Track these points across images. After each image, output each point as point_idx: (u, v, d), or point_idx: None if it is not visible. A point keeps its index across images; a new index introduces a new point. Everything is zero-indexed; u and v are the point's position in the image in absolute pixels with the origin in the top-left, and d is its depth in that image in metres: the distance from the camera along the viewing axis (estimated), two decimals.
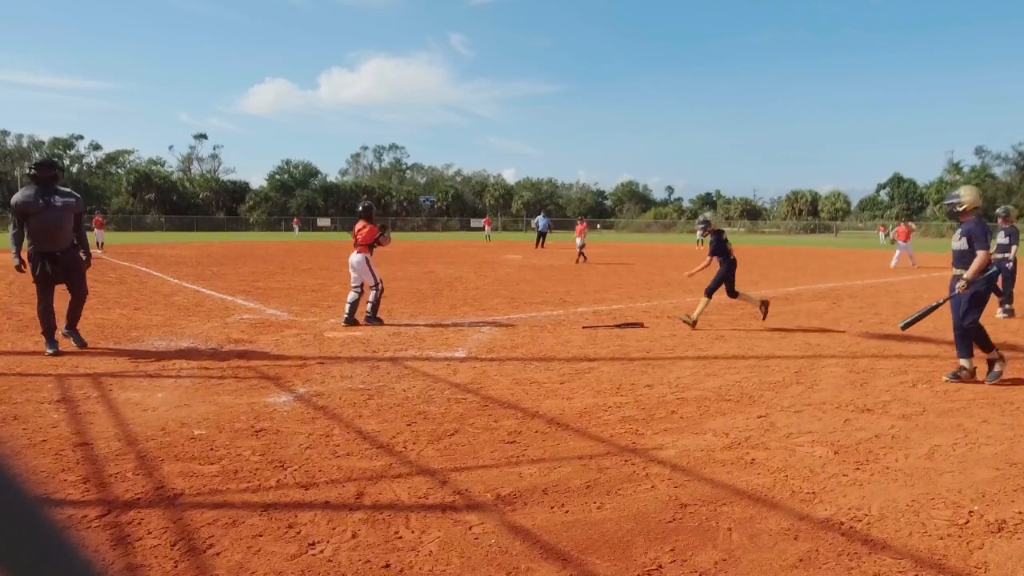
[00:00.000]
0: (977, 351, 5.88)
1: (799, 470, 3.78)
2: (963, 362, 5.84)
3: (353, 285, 8.81)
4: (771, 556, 2.80)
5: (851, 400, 5.27)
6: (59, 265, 6.67)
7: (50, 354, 6.54)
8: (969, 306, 5.73)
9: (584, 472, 3.72)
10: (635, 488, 3.50)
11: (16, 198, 6.49)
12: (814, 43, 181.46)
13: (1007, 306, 9.94)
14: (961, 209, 5.95)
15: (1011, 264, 9.69)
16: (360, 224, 8.80)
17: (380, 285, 8.76)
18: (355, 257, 8.75)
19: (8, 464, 0.40)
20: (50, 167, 6.70)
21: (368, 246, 8.74)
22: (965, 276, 5.67)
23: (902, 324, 6.29)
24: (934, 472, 3.77)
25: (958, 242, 5.95)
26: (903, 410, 5.00)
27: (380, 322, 8.75)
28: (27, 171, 6.74)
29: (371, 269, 8.67)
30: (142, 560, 2.71)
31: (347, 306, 8.70)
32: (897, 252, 21.94)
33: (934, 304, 6.18)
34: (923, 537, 2.98)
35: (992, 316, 9.84)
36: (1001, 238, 9.71)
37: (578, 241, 23.63)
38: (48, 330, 6.69)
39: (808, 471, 3.77)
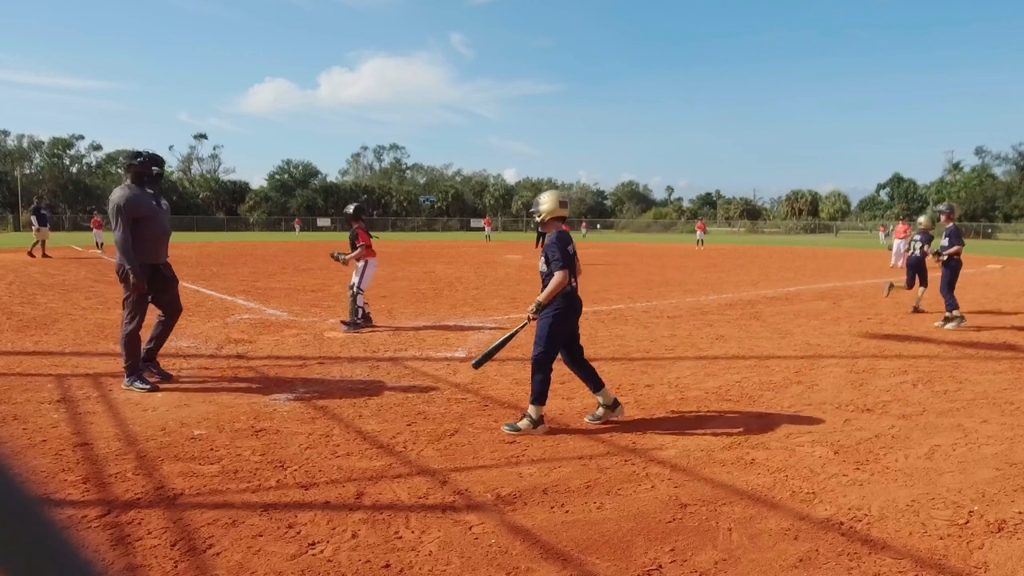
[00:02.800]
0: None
1: (799, 470, 3.78)
2: (531, 410, 4.41)
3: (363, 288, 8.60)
4: (771, 556, 2.80)
5: (851, 400, 5.27)
6: (160, 279, 5.63)
7: (146, 390, 5.32)
8: (541, 335, 4.45)
9: (584, 472, 3.72)
10: (635, 488, 3.50)
11: (126, 197, 5.31)
12: (815, 43, 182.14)
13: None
14: (540, 219, 4.67)
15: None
16: (359, 227, 8.58)
17: (356, 289, 8.46)
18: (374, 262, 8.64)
19: (8, 464, 0.40)
20: (163, 162, 5.66)
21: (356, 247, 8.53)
22: (538, 299, 4.48)
23: (474, 363, 4.79)
24: (934, 472, 3.77)
25: (540, 260, 4.67)
26: (903, 410, 5.00)
27: (367, 322, 8.54)
28: (135, 162, 5.43)
29: (363, 272, 8.48)
30: (142, 560, 2.71)
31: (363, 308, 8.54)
32: (897, 250, 21.86)
33: (508, 335, 4.78)
34: (923, 537, 2.98)
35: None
36: (943, 239, 9.35)
37: None
38: (139, 361, 5.48)
39: (808, 471, 3.77)
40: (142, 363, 5.53)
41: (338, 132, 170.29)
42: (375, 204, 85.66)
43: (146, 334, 5.62)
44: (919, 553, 2.84)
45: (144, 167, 5.45)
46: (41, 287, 13.15)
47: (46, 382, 5.60)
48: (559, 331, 4.50)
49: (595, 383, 4.67)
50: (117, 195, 5.38)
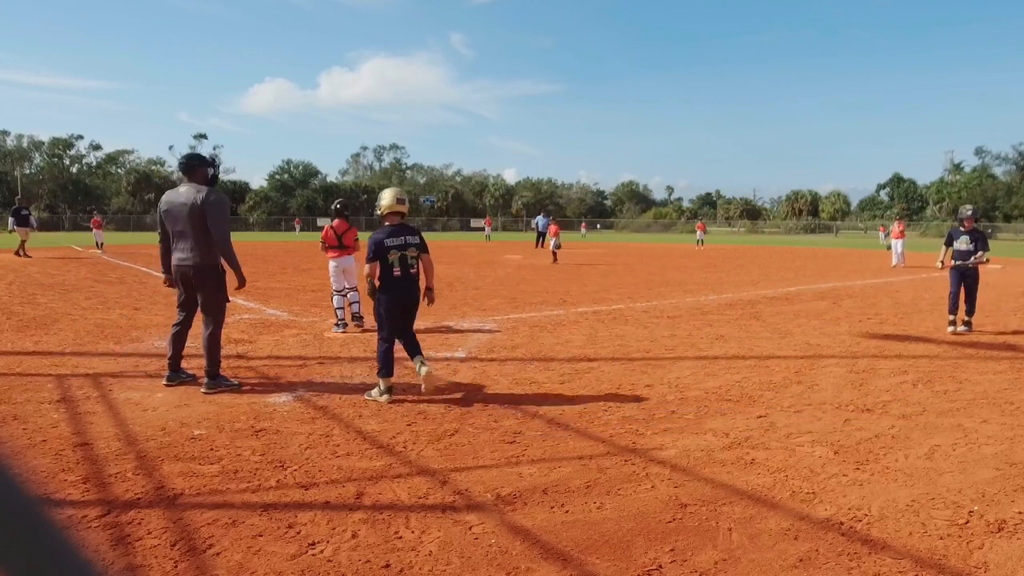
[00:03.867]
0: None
1: (799, 470, 3.78)
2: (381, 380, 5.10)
3: (338, 290, 8.37)
4: (771, 556, 2.80)
5: (851, 400, 5.27)
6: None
7: (237, 387, 5.45)
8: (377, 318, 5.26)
9: (584, 472, 3.72)
10: (635, 488, 3.50)
11: (225, 199, 5.56)
12: (815, 43, 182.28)
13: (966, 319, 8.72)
14: (379, 214, 5.31)
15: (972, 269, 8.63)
16: (341, 225, 8.34)
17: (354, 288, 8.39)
18: (345, 260, 8.33)
19: (8, 464, 0.40)
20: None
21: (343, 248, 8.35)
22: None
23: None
24: (934, 472, 3.77)
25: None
26: (903, 410, 5.00)
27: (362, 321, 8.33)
28: (214, 168, 5.71)
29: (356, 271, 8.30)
30: (142, 560, 2.71)
31: (338, 312, 8.32)
32: (897, 249, 21.79)
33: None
34: (923, 537, 2.98)
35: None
36: (967, 243, 8.61)
37: (552, 242, 23.52)
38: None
39: (808, 471, 3.77)
40: (173, 368, 5.55)
41: (338, 132, 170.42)
42: (375, 204, 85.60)
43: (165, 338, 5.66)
44: (919, 553, 2.84)
45: (216, 172, 5.66)
46: (41, 287, 13.15)
47: (46, 382, 5.60)
48: (388, 315, 5.21)
49: (412, 350, 5.34)
50: (222, 196, 5.49)
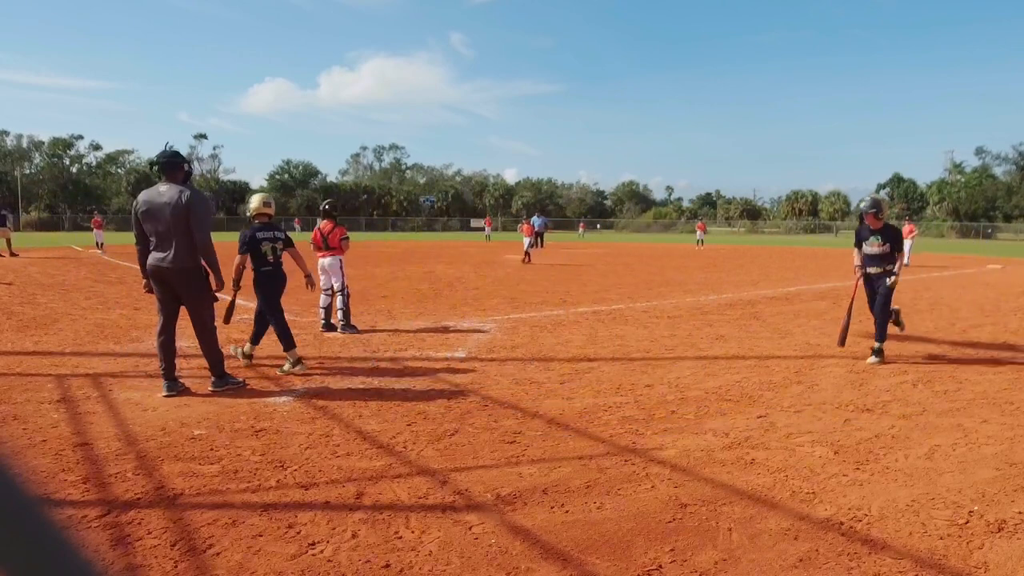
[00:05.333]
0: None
1: (799, 470, 3.78)
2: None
3: (324, 289, 8.35)
4: (771, 556, 2.80)
5: (851, 400, 5.27)
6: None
7: (242, 384, 5.56)
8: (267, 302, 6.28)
9: (584, 472, 3.72)
10: (635, 488, 3.50)
11: (209, 198, 5.47)
12: (815, 43, 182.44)
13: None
14: (250, 215, 6.41)
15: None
16: (327, 225, 8.30)
17: (346, 289, 8.34)
18: (328, 260, 8.28)
19: (8, 464, 0.40)
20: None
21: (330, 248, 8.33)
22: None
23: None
24: (934, 472, 3.77)
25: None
26: (903, 410, 5.00)
27: (356, 329, 8.24)
28: (188, 165, 5.47)
29: (342, 272, 8.30)
30: (142, 560, 2.71)
31: (321, 311, 8.33)
32: (905, 249, 21.92)
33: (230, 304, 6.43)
34: (923, 537, 2.98)
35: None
36: (878, 245, 6.75)
37: (526, 241, 23.45)
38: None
39: (808, 471, 3.77)
40: (168, 378, 5.32)
41: (338, 132, 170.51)
42: (375, 204, 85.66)
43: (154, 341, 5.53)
44: (919, 553, 2.84)
45: (190, 170, 5.46)
46: (41, 287, 13.15)
47: (46, 382, 5.60)
48: (275, 295, 6.26)
49: (257, 338, 6.49)
50: (205, 195, 5.35)
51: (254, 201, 6.49)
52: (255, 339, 6.47)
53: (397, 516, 3.15)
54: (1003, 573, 2.69)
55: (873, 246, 6.79)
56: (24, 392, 5.26)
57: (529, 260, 22.17)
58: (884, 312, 6.77)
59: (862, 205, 6.95)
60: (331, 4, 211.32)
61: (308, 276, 6.63)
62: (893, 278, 6.74)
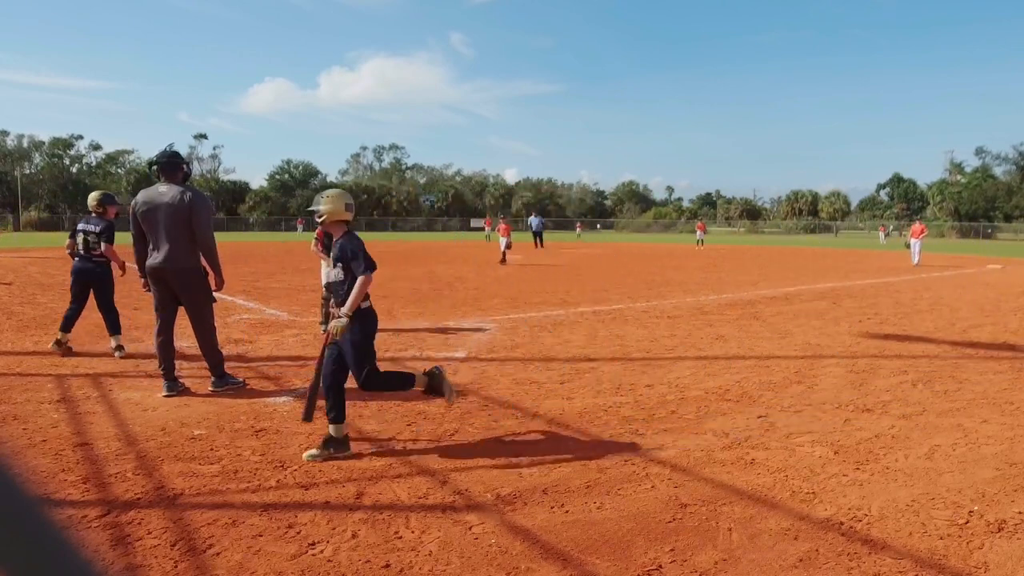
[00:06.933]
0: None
1: (799, 470, 3.78)
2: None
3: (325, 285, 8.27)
4: (771, 556, 2.80)
5: (851, 400, 5.27)
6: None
7: (242, 384, 5.50)
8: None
9: (584, 472, 3.72)
10: (635, 488, 3.50)
11: (209, 199, 5.46)
12: (815, 43, 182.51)
13: None
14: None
15: None
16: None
17: None
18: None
19: (8, 464, 0.40)
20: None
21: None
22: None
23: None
24: (934, 472, 3.77)
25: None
26: (903, 410, 5.00)
27: None
28: (188, 165, 5.49)
29: None
30: (142, 560, 2.71)
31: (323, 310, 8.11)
32: (915, 249, 22.27)
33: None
34: (923, 537, 2.98)
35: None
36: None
37: (502, 241, 23.23)
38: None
39: (808, 471, 3.77)
40: (168, 379, 5.28)
41: (338, 132, 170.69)
42: (375, 204, 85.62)
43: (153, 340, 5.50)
44: (919, 553, 2.84)
45: (189, 171, 5.44)
46: (41, 287, 13.15)
47: (46, 382, 5.60)
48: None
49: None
50: (206, 195, 5.30)
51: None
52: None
53: (397, 516, 3.15)
54: (1003, 573, 2.69)
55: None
56: (24, 392, 5.26)
57: (504, 261, 21.49)
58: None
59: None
60: (331, 4, 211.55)
61: (123, 263, 6.98)
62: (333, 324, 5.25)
